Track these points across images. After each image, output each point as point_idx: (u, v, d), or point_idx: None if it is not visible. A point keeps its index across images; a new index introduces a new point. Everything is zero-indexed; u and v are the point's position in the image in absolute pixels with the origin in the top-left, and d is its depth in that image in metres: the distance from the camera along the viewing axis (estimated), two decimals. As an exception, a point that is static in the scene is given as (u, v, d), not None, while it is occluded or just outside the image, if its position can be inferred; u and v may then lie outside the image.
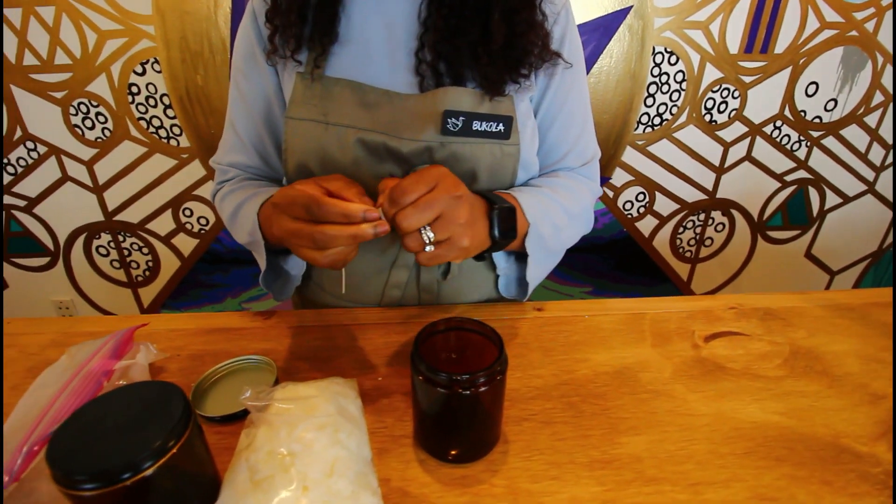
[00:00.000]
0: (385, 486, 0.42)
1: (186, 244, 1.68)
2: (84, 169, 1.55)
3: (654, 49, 1.46)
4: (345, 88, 0.59)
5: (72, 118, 1.47)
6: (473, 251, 0.52)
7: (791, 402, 0.53)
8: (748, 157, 1.65)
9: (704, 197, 1.71)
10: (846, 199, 1.76)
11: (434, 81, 0.59)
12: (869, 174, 1.72)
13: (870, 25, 1.47)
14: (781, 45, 1.48)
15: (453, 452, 0.45)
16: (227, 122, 0.69)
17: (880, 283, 1.94)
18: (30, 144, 1.51)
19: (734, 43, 1.47)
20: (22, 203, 1.60)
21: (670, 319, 0.66)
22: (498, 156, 0.60)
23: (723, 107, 1.56)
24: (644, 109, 1.54)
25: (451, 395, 0.41)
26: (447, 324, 0.47)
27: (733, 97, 1.55)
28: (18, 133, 1.49)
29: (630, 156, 1.62)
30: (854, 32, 1.48)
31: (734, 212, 1.75)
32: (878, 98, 1.58)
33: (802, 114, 1.59)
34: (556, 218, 0.62)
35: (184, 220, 1.64)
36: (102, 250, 1.70)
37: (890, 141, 1.66)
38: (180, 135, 1.51)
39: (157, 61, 1.41)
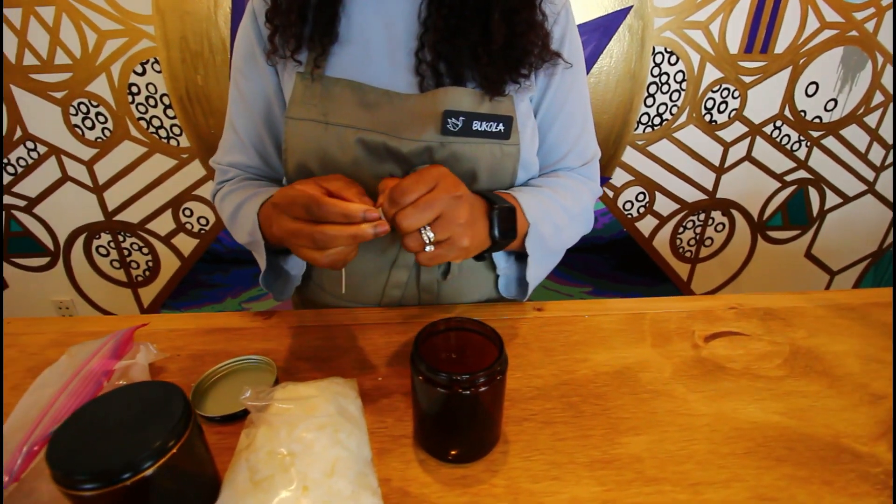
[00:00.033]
0: (385, 486, 0.42)
1: (186, 244, 1.68)
2: (84, 169, 1.55)
3: (654, 49, 1.46)
4: (345, 88, 0.59)
5: (72, 118, 1.47)
6: (474, 251, 0.52)
7: (791, 402, 0.53)
8: (748, 157, 1.65)
9: (704, 197, 1.71)
10: (846, 199, 1.76)
11: (434, 81, 0.59)
12: (869, 174, 1.72)
13: (870, 25, 1.47)
14: (781, 45, 1.48)
15: (453, 452, 0.45)
16: (226, 122, 0.69)
17: (880, 283, 1.94)
18: (30, 144, 1.51)
19: (734, 43, 1.47)
20: (22, 203, 1.60)
21: (670, 319, 0.66)
22: (498, 156, 0.60)
23: (723, 107, 1.56)
24: (644, 109, 1.54)
25: (451, 395, 0.41)
26: (447, 324, 0.47)
27: (733, 97, 1.55)
28: (18, 133, 1.49)
29: (630, 156, 1.62)
30: (854, 32, 1.48)
31: (734, 212, 1.75)
32: (879, 98, 1.58)
33: (802, 114, 1.59)
34: (557, 218, 0.62)
35: (184, 220, 1.64)
36: (102, 250, 1.70)
37: (890, 141, 1.66)
38: (180, 135, 1.51)
39: (157, 61, 1.41)
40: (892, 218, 1.80)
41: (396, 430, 0.48)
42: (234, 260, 1.71)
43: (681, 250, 1.81)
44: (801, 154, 1.66)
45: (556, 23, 0.62)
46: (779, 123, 1.60)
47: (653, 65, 1.48)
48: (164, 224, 1.65)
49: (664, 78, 1.50)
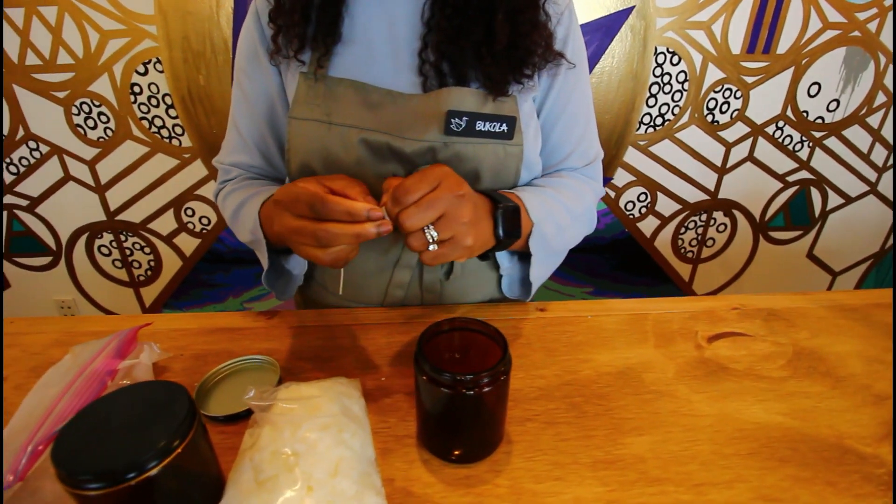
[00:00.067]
0: (389, 486, 0.42)
1: (188, 244, 1.69)
2: (86, 168, 1.55)
3: (656, 49, 1.46)
4: (348, 88, 0.59)
5: (74, 118, 1.48)
6: (477, 250, 0.52)
7: (795, 402, 0.52)
8: (750, 157, 1.65)
9: (706, 197, 1.71)
10: (848, 200, 1.76)
11: (437, 81, 0.59)
12: (871, 175, 1.72)
13: (872, 26, 1.47)
14: (784, 45, 1.48)
15: (457, 452, 0.45)
16: (230, 121, 0.69)
17: (882, 284, 1.93)
18: (32, 144, 1.51)
19: (736, 43, 1.47)
20: (24, 203, 1.60)
21: (673, 320, 0.66)
22: (501, 156, 0.60)
23: (725, 107, 1.56)
24: (646, 110, 1.54)
25: (454, 396, 0.41)
26: (451, 324, 0.47)
27: (735, 97, 1.54)
28: (21, 133, 1.50)
29: (632, 156, 1.61)
30: (857, 33, 1.47)
31: (736, 212, 1.74)
32: (881, 98, 1.58)
33: (805, 114, 1.59)
34: (560, 217, 0.62)
35: (185, 219, 1.64)
36: (104, 250, 1.70)
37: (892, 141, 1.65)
38: (182, 135, 1.51)
39: (159, 61, 1.41)
40: (893, 219, 1.80)
41: (400, 430, 0.48)
42: (236, 259, 1.71)
43: (682, 251, 1.81)
44: (804, 154, 1.66)
45: (559, 23, 0.62)
46: (781, 124, 1.60)
47: (655, 65, 1.48)
48: (165, 224, 1.65)
49: (666, 78, 1.50)
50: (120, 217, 1.64)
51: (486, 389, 0.41)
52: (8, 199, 1.60)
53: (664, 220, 1.74)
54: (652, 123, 1.57)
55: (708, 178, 1.68)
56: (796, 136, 1.63)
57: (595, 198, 0.71)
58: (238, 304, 1.80)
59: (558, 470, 0.44)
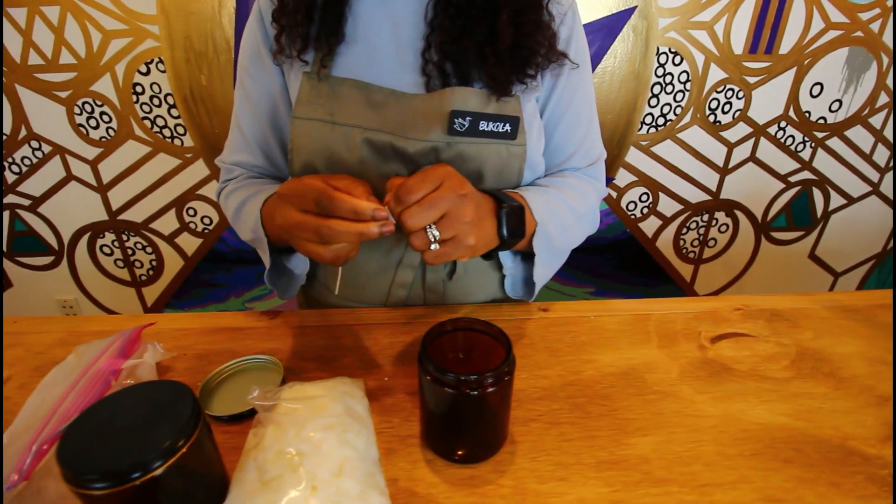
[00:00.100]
0: (393, 486, 0.42)
1: (190, 243, 1.69)
2: (88, 168, 1.55)
3: (658, 49, 1.46)
4: (351, 88, 0.59)
5: (76, 117, 1.48)
6: (481, 249, 0.52)
7: (798, 403, 0.52)
8: (752, 157, 1.65)
9: (708, 198, 1.71)
10: (850, 201, 1.75)
11: (441, 81, 0.59)
12: (873, 175, 1.71)
13: (875, 26, 1.47)
14: (786, 45, 1.48)
15: (460, 453, 0.45)
16: (232, 121, 0.69)
17: (884, 285, 1.93)
18: (34, 144, 1.51)
19: (739, 43, 1.47)
20: (26, 202, 1.60)
21: (676, 320, 0.66)
22: (504, 156, 0.60)
23: (727, 107, 1.56)
24: (648, 110, 1.54)
25: (458, 396, 0.41)
26: (455, 324, 0.47)
27: (737, 98, 1.54)
28: (23, 132, 1.50)
29: (634, 156, 1.61)
30: (859, 33, 1.47)
31: (738, 213, 1.74)
32: (883, 99, 1.58)
33: (807, 114, 1.59)
34: (563, 217, 0.61)
35: (187, 219, 1.64)
36: (106, 249, 1.70)
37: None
38: (184, 134, 1.51)
39: (161, 61, 1.41)
40: (893, 219, 1.79)
41: (403, 430, 0.48)
42: (238, 259, 1.71)
43: (684, 251, 1.81)
44: (806, 155, 1.66)
45: (562, 23, 0.62)
46: (783, 124, 1.60)
47: (657, 65, 1.48)
48: (167, 223, 1.65)
49: (668, 78, 1.50)
50: (122, 217, 1.64)
51: (490, 390, 0.41)
52: (10, 198, 1.60)
53: (666, 221, 1.74)
54: (654, 123, 1.57)
55: (710, 179, 1.68)
56: (798, 137, 1.62)
57: (598, 198, 0.71)
58: (240, 304, 1.80)
59: (562, 470, 0.44)
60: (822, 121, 1.60)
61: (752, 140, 1.62)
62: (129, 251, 1.70)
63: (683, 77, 1.50)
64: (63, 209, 1.62)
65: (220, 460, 0.39)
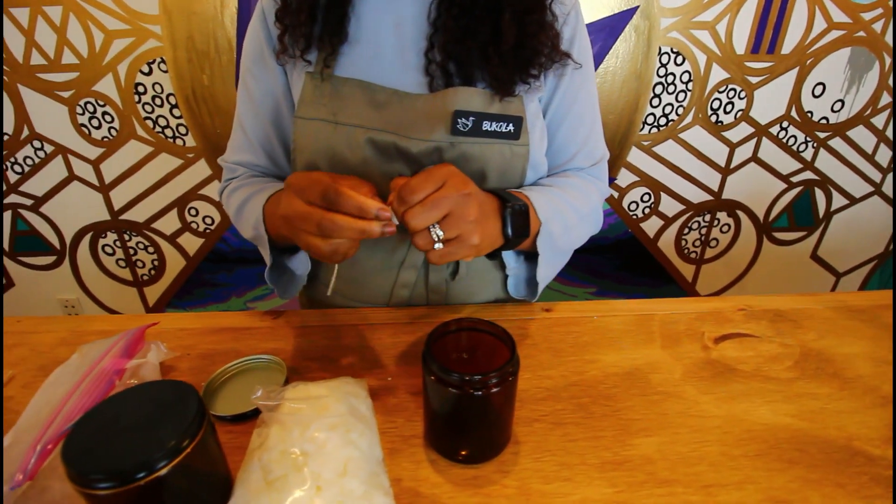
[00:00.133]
0: (396, 487, 0.42)
1: (192, 243, 1.69)
2: (90, 168, 1.56)
3: (660, 49, 1.46)
4: (354, 88, 0.59)
5: (78, 117, 1.48)
6: (485, 249, 0.52)
7: (803, 404, 0.52)
8: (754, 157, 1.65)
9: (710, 198, 1.70)
10: (852, 201, 1.75)
11: (444, 81, 0.59)
12: (876, 175, 1.71)
13: (877, 26, 1.46)
14: (788, 45, 1.47)
15: (464, 453, 0.45)
16: (235, 121, 0.69)
17: (887, 286, 1.93)
18: (37, 143, 1.52)
19: (741, 43, 1.47)
20: (29, 202, 1.61)
21: (679, 321, 0.66)
22: (507, 156, 0.60)
23: (729, 107, 1.56)
24: (650, 110, 1.54)
25: (462, 396, 0.41)
26: (459, 324, 0.47)
27: (739, 98, 1.54)
28: (25, 132, 1.50)
29: (635, 156, 1.61)
30: (862, 33, 1.47)
31: (740, 213, 1.74)
32: (886, 99, 1.57)
33: (809, 115, 1.59)
34: (567, 217, 0.61)
35: (189, 219, 1.64)
36: (108, 249, 1.70)
37: (897, 142, 1.65)
38: (186, 134, 1.51)
39: (163, 61, 1.41)
40: (893, 220, 1.79)
41: (406, 431, 0.48)
42: (239, 259, 1.71)
43: (686, 251, 1.80)
44: (808, 155, 1.66)
45: (565, 23, 0.62)
46: (785, 124, 1.60)
47: (659, 65, 1.48)
48: (169, 223, 1.65)
49: (670, 78, 1.50)
50: (124, 216, 1.64)
51: (495, 390, 0.41)
52: (12, 198, 1.60)
53: (667, 221, 1.73)
54: (656, 124, 1.56)
55: (712, 179, 1.67)
56: (800, 137, 1.62)
57: (601, 198, 0.71)
58: (241, 304, 1.81)
59: (566, 471, 0.44)
60: (824, 121, 1.60)
61: (754, 140, 1.62)
62: (131, 251, 1.71)
63: (685, 77, 1.50)
64: (65, 209, 1.62)
65: (225, 460, 0.39)
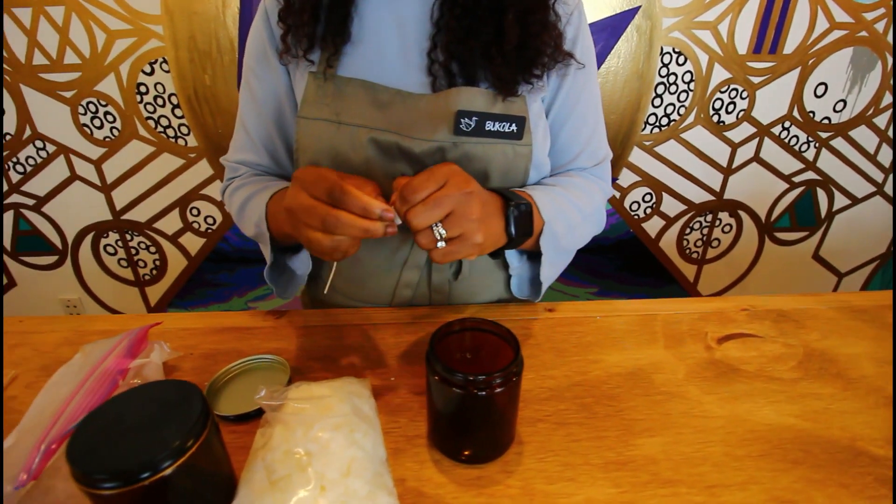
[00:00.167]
0: (400, 487, 0.42)
1: (193, 243, 1.69)
2: (92, 168, 1.56)
3: (662, 49, 1.45)
4: (357, 88, 0.59)
5: (80, 117, 1.48)
6: (488, 248, 0.51)
7: (806, 404, 0.52)
8: (756, 157, 1.65)
9: (712, 198, 1.70)
10: (854, 201, 1.75)
11: (446, 81, 0.59)
12: (878, 175, 1.71)
13: (880, 26, 1.46)
14: (790, 45, 1.47)
15: (467, 453, 0.45)
16: (237, 120, 0.69)
17: (889, 286, 1.92)
18: (39, 143, 1.52)
19: (743, 43, 1.46)
20: (31, 202, 1.61)
21: (682, 321, 0.66)
22: (510, 156, 0.60)
23: (731, 107, 1.55)
24: (651, 110, 1.54)
25: (466, 396, 0.41)
26: (463, 324, 0.47)
27: (741, 98, 1.54)
28: (28, 132, 1.50)
29: (637, 156, 1.61)
30: (864, 33, 1.47)
31: (741, 213, 1.74)
32: (888, 99, 1.57)
33: (811, 115, 1.58)
34: (570, 216, 0.61)
35: (191, 219, 1.64)
36: (110, 249, 1.70)
37: (899, 142, 1.65)
38: (188, 134, 1.51)
39: (165, 61, 1.41)
40: (893, 220, 1.79)
41: (410, 431, 0.48)
42: (241, 259, 1.71)
43: (687, 251, 1.80)
44: (810, 155, 1.65)
45: (568, 23, 0.62)
46: (787, 124, 1.59)
47: (661, 65, 1.48)
48: (171, 223, 1.65)
49: (672, 78, 1.50)
50: (126, 216, 1.64)
51: (499, 390, 0.41)
52: (15, 198, 1.60)
53: (669, 221, 1.73)
54: (657, 124, 1.56)
55: (713, 179, 1.67)
56: (802, 137, 1.62)
57: (604, 198, 0.71)
58: (242, 304, 1.81)
59: (570, 471, 0.44)
60: (826, 121, 1.60)
61: (756, 140, 1.61)
62: (133, 251, 1.71)
63: (687, 77, 1.50)
64: (67, 209, 1.62)
65: (229, 460, 0.39)
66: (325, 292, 0.59)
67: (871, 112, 1.59)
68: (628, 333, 0.63)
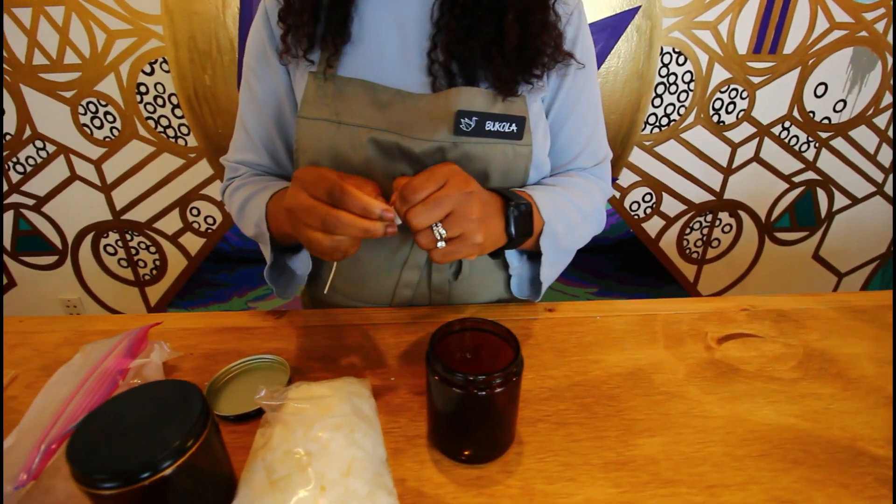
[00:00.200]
0: (400, 487, 0.42)
1: (193, 243, 1.69)
2: (92, 168, 1.56)
3: (662, 49, 1.46)
4: (357, 88, 0.59)
5: (80, 117, 1.48)
6: (488, 247, 0.51)
7: (806, 404, 0.52)
8: (756, 157, 1.65)
9: (712, 198, 1.70)
10: (854, 201, 1.75)
11: (447, 81, 0.59)
12: (878, 175, 1.71)
13: (880, 26, 1.46)
14: (790, 45, 1.47)
15: (467, 453, 0.45)
16: (238, 120, 0.69)
17: (888, 286, 1.92)
18: (39, 143, 1.52)
19: (743, 43, 1.46)
20: (31, 202, 1.61)
21: (682, 321, 0.66)
22: (510, 156, 0.60)
23: (731, 107, 1.55)
24: (651, 110, 1.54)
25: (466, 396, 0.41)
26: (463, 324, 0.47)
27: (741, 98, 1.54)
28: (28, 132, 1.50)
29: (637, 156, 1.61)
30: (864, 33, 1.47)
31: (741, 213, 1.74)
32: (888, 99, 1.57)
33: (811, 115, 1.58)
34: (570, 216, 0.61)
35: (191, 219, 1.64)
36: (110, 249, 1.70)
37: (899, 142, 1.65)
38: (188, 134, 1.51)
39: (165, 61, 1.41)
40: (893, 220, 1.79)
41: (410, 431, 0.48)
42: (241, 259, 1.71)
43: (687, 251, 1.80)
44: (810, 155, 1.65)
45: (568, 23, 0.62)
46: (787, 124, 1.59)
47: (661, 65, 1.48)
48: (171, 223, 1.65)
49: (672, 78, 1.50)
50: (126, 216, 1.64)
51: (499, 390, 0.41)
52: (15, 198, 1.60)
53: (669, 221, 1.73)
54: (657, 124, 1.56)
55: (713, 179, 1.67)
56: (802, 137, 1.62)
57: (604, 198, 0.71)
58: (242, 304, 1.81)
59: (570, 471, 0.44)
60: (826, 121, 1.60)
61: (756, 140, 1.61)
62: (133, 251, 1.71)
63: (687, 77, 1.50)
64: (67, 209, 1.62)
65: (229, 460, 0.39)
66: (325, 292, 0.58)
67: (871, 112, 1.59)
68: (628, 333, 0.63)
